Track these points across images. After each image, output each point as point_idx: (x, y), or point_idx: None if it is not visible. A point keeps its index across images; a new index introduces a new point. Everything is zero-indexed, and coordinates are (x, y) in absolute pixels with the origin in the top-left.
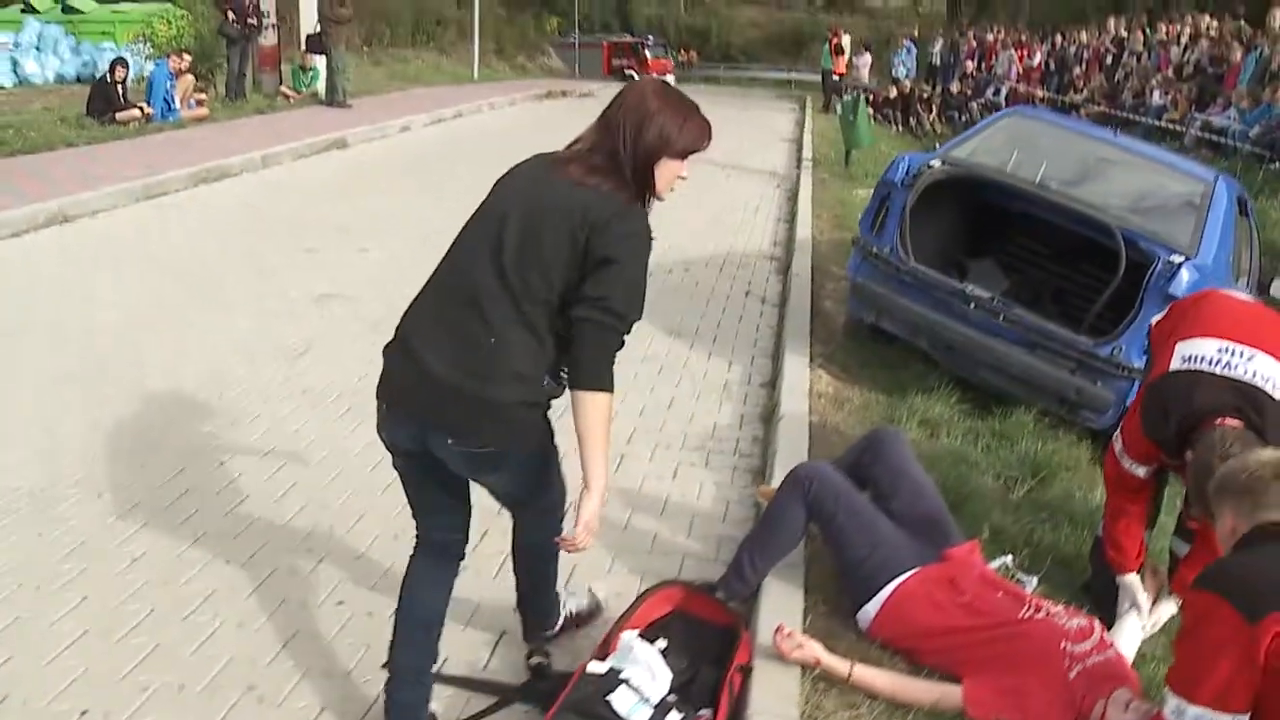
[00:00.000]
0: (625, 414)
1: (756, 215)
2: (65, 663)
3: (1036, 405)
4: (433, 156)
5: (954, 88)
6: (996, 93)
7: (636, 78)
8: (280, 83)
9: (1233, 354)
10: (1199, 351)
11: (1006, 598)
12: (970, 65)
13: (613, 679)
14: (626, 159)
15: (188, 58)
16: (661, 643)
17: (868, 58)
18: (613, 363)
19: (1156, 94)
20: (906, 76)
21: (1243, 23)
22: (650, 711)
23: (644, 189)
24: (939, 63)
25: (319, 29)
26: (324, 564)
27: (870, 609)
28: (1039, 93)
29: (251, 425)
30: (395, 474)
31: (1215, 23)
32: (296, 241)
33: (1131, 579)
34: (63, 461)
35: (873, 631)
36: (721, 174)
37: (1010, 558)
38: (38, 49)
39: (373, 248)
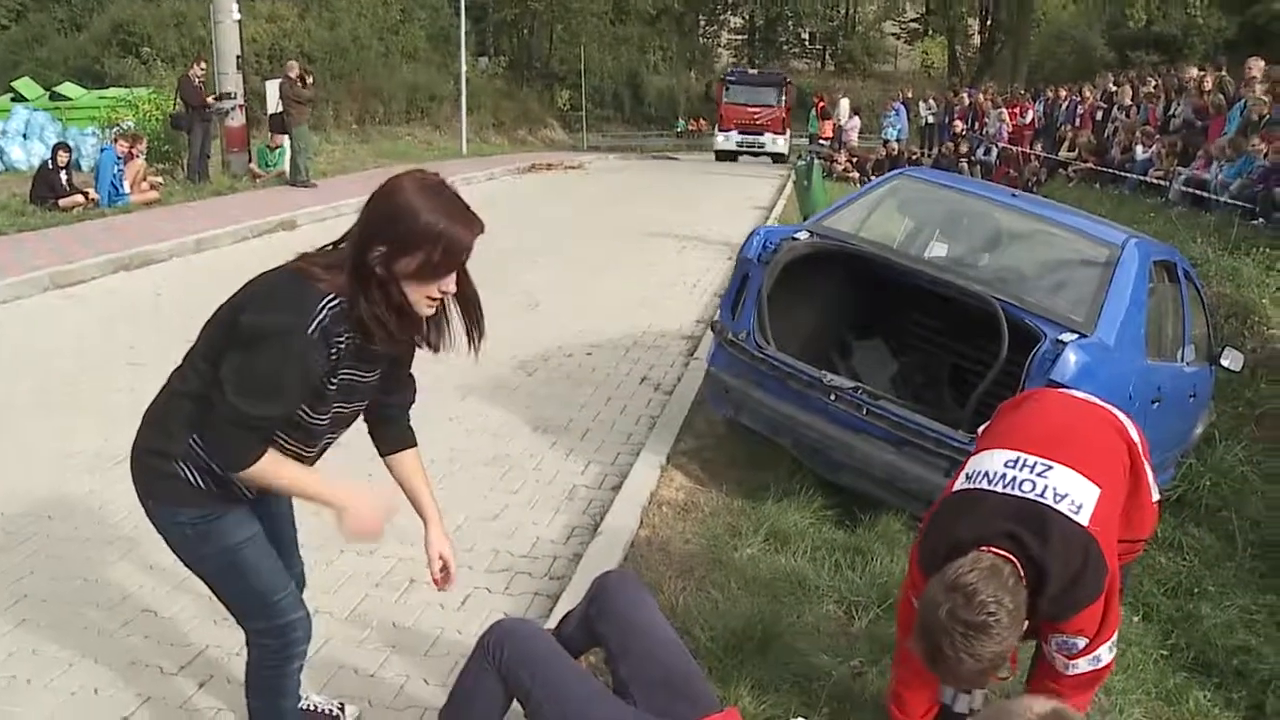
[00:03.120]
0: None
1: (693, 291)
2: None
3: (907, 510)
4: None
5: (945, 148)
6: (988, 152)
7: None
8: (250, 161)
9: (1022, 467)
10: (984, 468)
11: None
12: (961, 125)
13: None
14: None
15: (140, 141)
16: None
17: (856, 121)
18: (236, 445)
19: (1140, 148)
20: (897, 138)
21: (1224, 73)
22: None
23: (361, 287)
24: (933, 123)
25: (281, 109)
26: None
27: None
28: (1031, 151)
29: None
30: None
31: (1202, 74)
32: (185, 333)
33: None
34: None
35: None
36: (675, 246)
37: None
38: (24, 136)
39: None
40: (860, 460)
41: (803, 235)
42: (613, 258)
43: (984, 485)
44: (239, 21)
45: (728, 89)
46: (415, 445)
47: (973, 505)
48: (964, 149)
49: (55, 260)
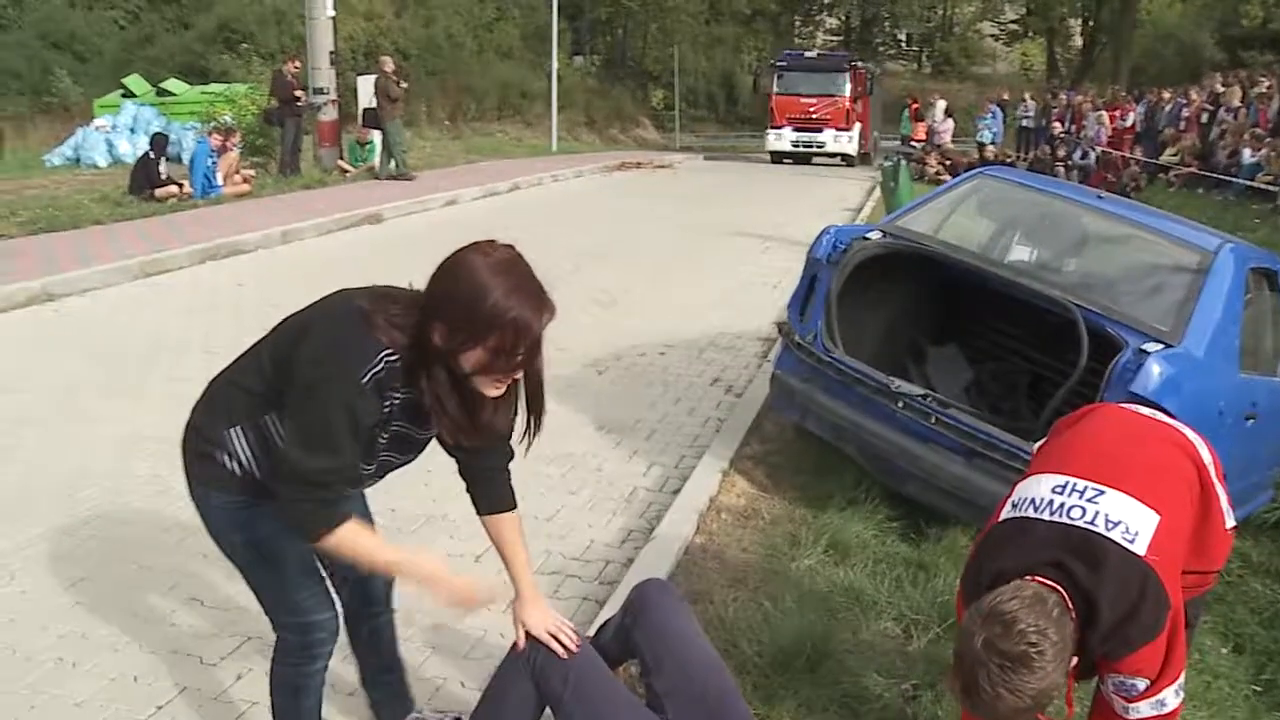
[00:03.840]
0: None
1: (774, 292)
2: None
3: (976, 525)
4: (473, 230)
5: (1041, 152)
6: (1084, 156)
7: None
8: (340, 156)
9: (1071, 493)
10: (1031, 494)
11: None
12: (1059, 127)
13: None
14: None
15: (234, 135)
16: None
17: (950, 123)
18: (308, 511)
19: (1248, 151)
20: (992, 141)
21: None
22: None
23: (422, 363)
24: (1030, 126)
25: (375, 105)
26: None
27: None
28: (1130, 155)
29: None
30: None
31: None
32: (261, 325)
33: None
34: None
35: None
36: (759, 246)
37: None
38: (132, 130)
39: None
40: (927, 471)
41: (875, 235)
42: (694, 257)
43: (1030, 513)
44: (333, 18)
45: (779, 77)
46: (514, 509)
47: (1018, 534)
48: (1060, 152)
49: (145, 249)
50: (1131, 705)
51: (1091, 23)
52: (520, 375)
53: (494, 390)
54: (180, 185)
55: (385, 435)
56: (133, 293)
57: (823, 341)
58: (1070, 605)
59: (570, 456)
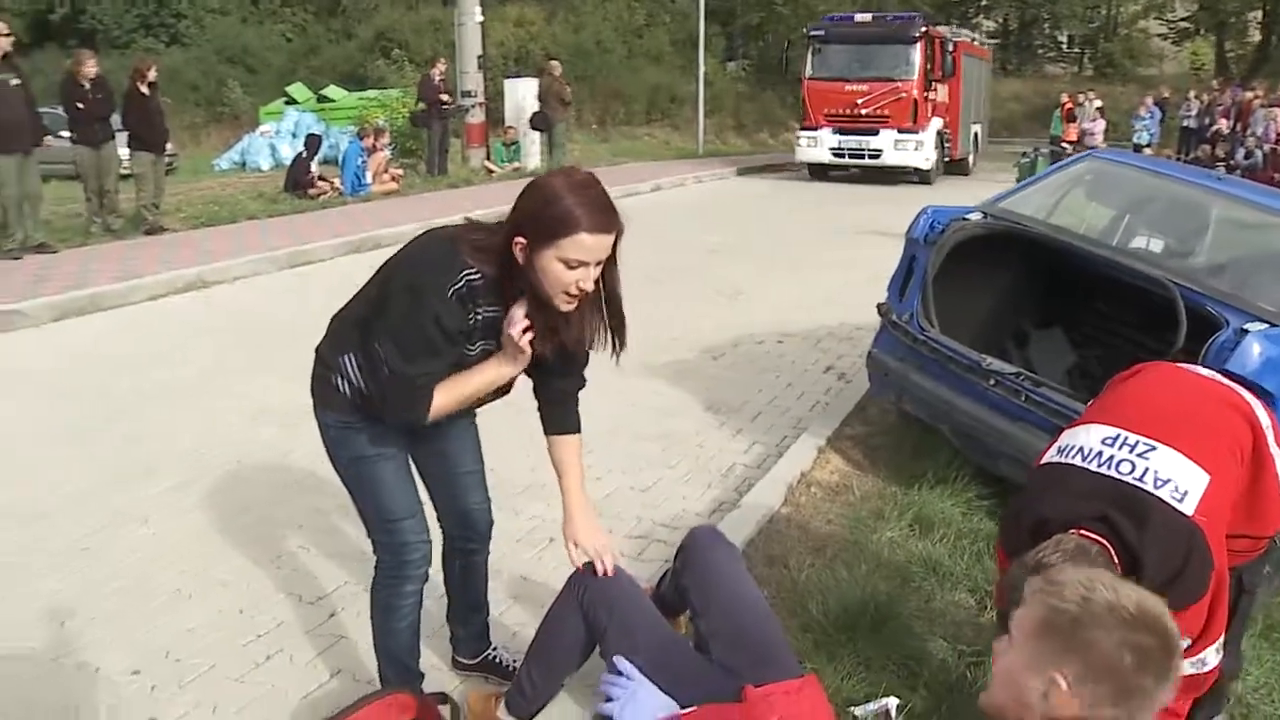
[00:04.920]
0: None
1: None
2: None
3: None
4: None
5: (1202, 151)
6: (1249, 156)
7: None
8: (486, 157)
9: (1121, 446)
10: (1079, 442)
11: None
12: (1224, 124)
13: None
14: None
15: (383, 136)
16: None
17: (1102, 123)
18: (405, 401)
19: None
20: (1149, 143)
21: None
22: None
23: (505, 273)
24: (1193, 126)
25: (541, 107)
26: None
27: None
28: None
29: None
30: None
31: None
32: None
33: None
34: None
35: None
36: (892, 244)
37: (892, 703)
38: (293, 135)
39: None
40: (1018, 449)
41: (974, 216)
42: (823, 253)
43: (1077, 461)
44: (481, 24)
45: (815, 52)
46: (577, 432)
47: (1062, 481)
48: (1221, 152)
49: (293, 242)
50: None
51: (1267, 14)
52: (594, 289)
53: (567, 304)
54: (331, 183)
55: (473, 350)
56: (279, 281)
57: (918, 321)
58: (1116, 561)
59: (674, 434)
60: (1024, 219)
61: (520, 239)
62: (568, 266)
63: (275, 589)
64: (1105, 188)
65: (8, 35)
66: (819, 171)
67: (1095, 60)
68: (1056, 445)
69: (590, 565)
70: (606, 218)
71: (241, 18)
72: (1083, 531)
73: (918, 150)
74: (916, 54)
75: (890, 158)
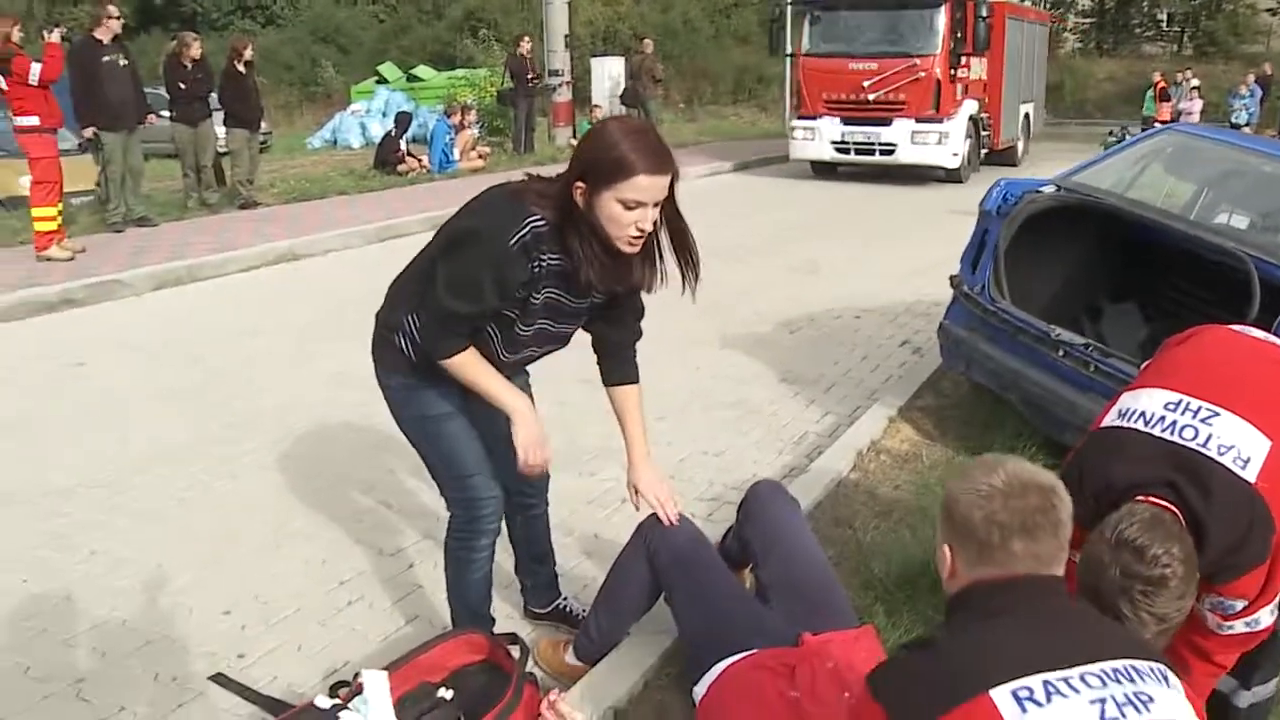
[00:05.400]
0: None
1: None
2: None
3: None
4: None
5: None
6: None
7: None
8: (572, 135)
9: (1184, 411)
10: (1140, 406)
11: (849, 702)
12: None
13: (323, 716)
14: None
15: (469, 113)
16: (447, 693)
17: (1199, 103)
18: (440, 336)
19: None
20: (1248, 123)
21: None
22: None
23: (567, 218)
24: None
25: (633, 84)
26: None
27: (699, 690)
28: None
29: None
30: None
31: None
32: None
33: None
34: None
35: (699, 717)
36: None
37: None
38: (383, 114)
39: None
40: (1085, 419)
41: (1048, 189)
42: (907, 230)
43: (1139, 425)
44: (569, 3)
45: (812, 21)
46: (637, 382)
47: (1125, 445)
48: None
49: (381, 216)
50: (1225, 623)
51: None
52: (654, 232)
53: (629, 245)
54: (420, 160)
55: (538, 298)
56: (367, 255)
57: (989, 292)
58: (1183, 525)
59: (748, 402)
60: (1099, 192)
61: (580, 184)
62: (626, 208)
63: (355, 541)
64: (1185, 161)
65: (118, 18)
66: (825, 169)
67: (1196, 39)
68: (1116, 408)
69: (656, 515)
70: (661, 160)
71: None
72: (1151, 499)
73: (942, 144)
74: (941, 21)
75: (906, 154)
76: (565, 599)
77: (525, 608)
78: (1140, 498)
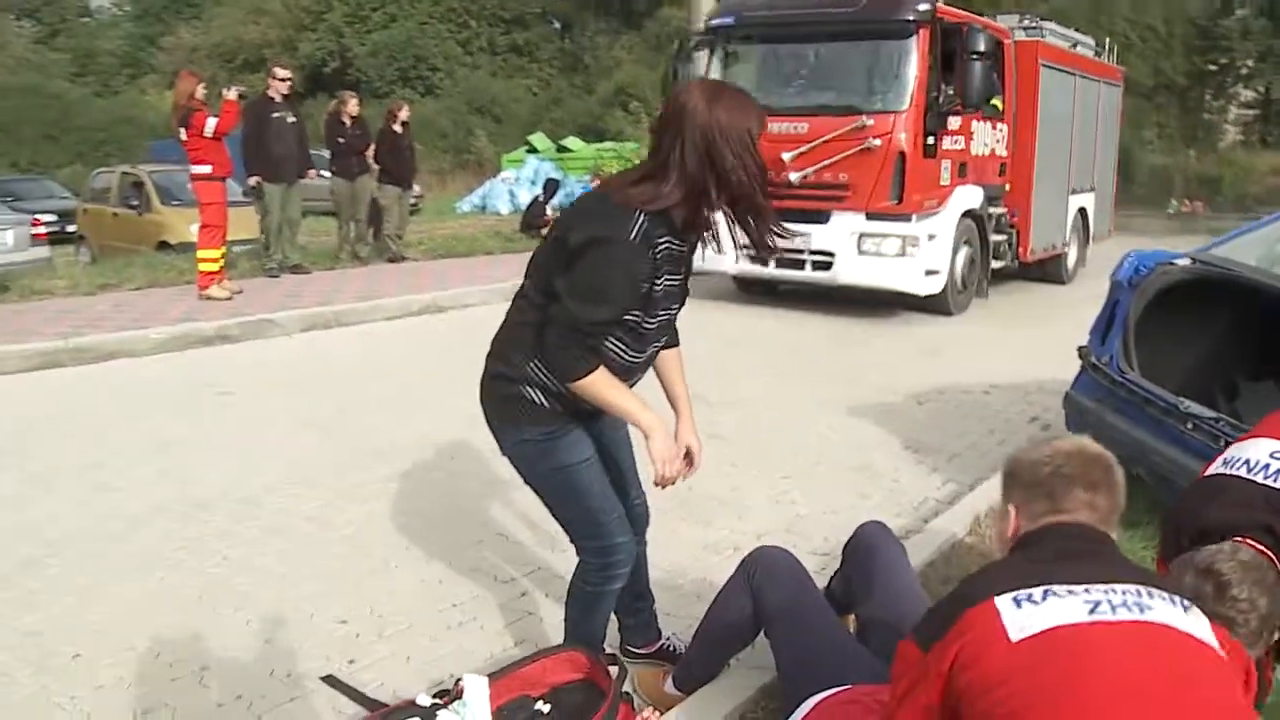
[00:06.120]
0: (765, 522)
1: None
2: None
3: None
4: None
5: None
6: None
7: None
8: None
9: None
10: (1245, 454)
11: None
12: None
13: (421, 713)
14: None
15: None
16: (544, 706)
17: None
18: (572, 355)
19: None
20: None
21: None
22: None
23: (661, 184)
24: None
25: None
26: None
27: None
28: None
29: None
30: None
31: None
32: None
33: None
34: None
35: None
36: None
37: None
38: (532, 182)
39: None
40: None
41: (1182, 262)
42: (1039, 311)
43: (1242, 472)
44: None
45: (726, 61)
46: (678, 346)
47: (1227, 491)
48: None
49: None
50: None
51: None
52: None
53: (775, 182)
54: None
55: (659, 288)
56: (505, 309)
57: (1118, 363)
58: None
59: (870, 468)
60: (1239, 265)
61: (675, 150)
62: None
63: (472, 568)
64: None
65: (286, 79)
66: (744, 284)
67: None
68: (1222, 458)
69: (761, 548)
70: (746, 111)
71: (491, 72)
72: (1248, 541)
73: (907, 255)
74: (912, 57)
75: (849, 269)
76: (669, 638)
77: (622, 646)
78: (1237, 540)
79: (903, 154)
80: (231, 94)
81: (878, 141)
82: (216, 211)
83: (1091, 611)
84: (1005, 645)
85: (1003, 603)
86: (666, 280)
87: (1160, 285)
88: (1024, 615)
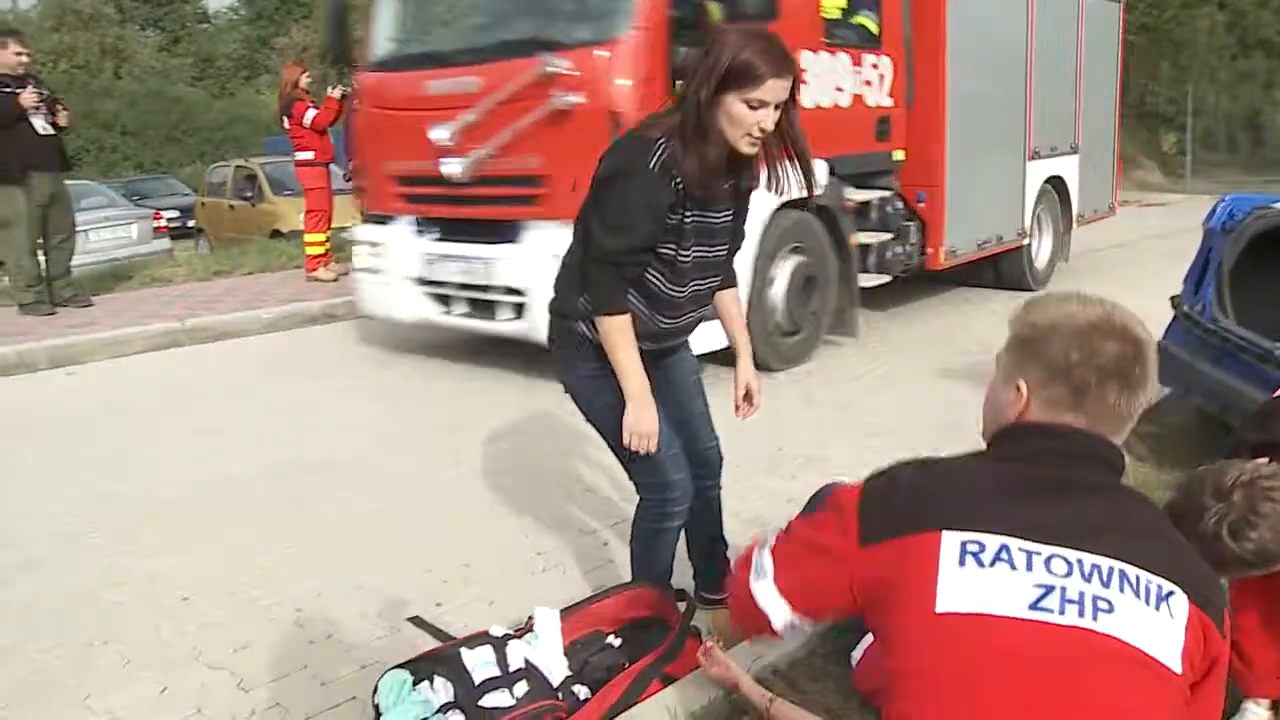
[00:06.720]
0: (848, 476)
1: None
2: None
3: None
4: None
5: None
6: None
7: None
8: None
9: None
10: None
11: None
12: None
13: (493, 641)
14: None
15: None
16: (615, 640)
17: None
18: (605, 288)
19: None
20: None
21: None
22: (497, 671)
23: (700, 129)
24: None
25: None
26: None
27: (855, 654)
28: None
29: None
30: None
31: None
32: None
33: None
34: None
35: (854, 681)
36: None
37: None
38: None
39: None
40: None
41: (1278, 205)
42: (1160, 279)
43: None
44: None
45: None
46: (735, 286)
47: None
48: None
49: None
50: None
51: None
52: (769, 127)
53: (750, 145)
54: None
55: (688, 221)
56: None
57: (1211, 311)
58: None
59: (960, 428)
60: None
61: (702, 88)
62: (750, 108)
63: (557, 520)
64: None
65: None
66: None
67: None
68: None
69: (831, 484)
70: (785, 63)
71: None
72: None
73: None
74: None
75: (515, 326)
76: None
77: (697, 593)
78: None
79: (616, 115)
80: (335, 92)
81: (575, 97)
82: (320, 196)
83: (1035, 604)
84: (928, 613)
85: (948, 547)
86: (696, 216)
87: (1255, 230)
88: (962, 579)
